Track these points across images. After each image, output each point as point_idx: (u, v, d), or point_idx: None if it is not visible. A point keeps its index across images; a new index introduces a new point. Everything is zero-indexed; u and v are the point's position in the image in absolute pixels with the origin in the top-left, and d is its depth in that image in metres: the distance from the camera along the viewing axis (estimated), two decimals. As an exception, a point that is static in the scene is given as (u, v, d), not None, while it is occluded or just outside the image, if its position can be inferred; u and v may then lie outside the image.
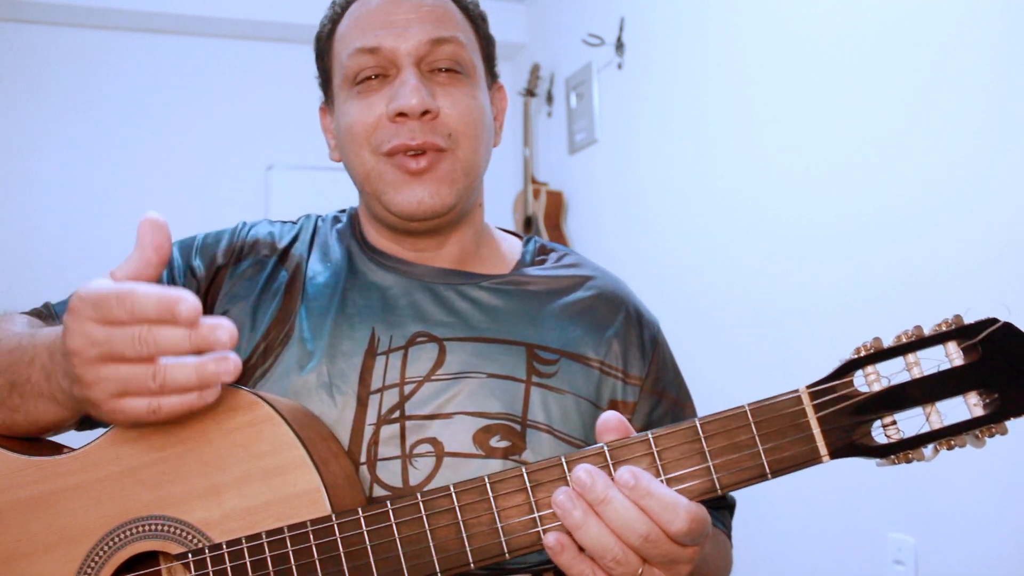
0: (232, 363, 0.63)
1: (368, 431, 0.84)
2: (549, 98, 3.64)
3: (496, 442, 0.84)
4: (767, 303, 2.25)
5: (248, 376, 0.88)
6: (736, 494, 1.03)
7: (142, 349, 0.62)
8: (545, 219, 3.47)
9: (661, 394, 0.94)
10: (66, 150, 3.31)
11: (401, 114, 0.86)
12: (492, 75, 0.98)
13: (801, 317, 2.12)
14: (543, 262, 0.98)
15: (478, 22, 0.95)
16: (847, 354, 0.66)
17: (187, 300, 0.62)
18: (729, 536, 0.99)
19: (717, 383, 2.00)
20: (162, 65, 3.44)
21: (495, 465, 0.83)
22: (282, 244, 0.96)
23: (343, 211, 1.04)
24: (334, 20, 0.94)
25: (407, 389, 0.86)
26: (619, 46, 2.98)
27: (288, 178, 3.47)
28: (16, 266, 3.13)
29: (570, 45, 3.38)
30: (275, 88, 3.53)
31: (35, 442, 0.81)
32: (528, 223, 3.55)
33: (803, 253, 2.11)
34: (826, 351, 1.98)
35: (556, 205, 3.48)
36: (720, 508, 1.00)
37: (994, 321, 0.64)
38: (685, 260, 2.64)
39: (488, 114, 0.93)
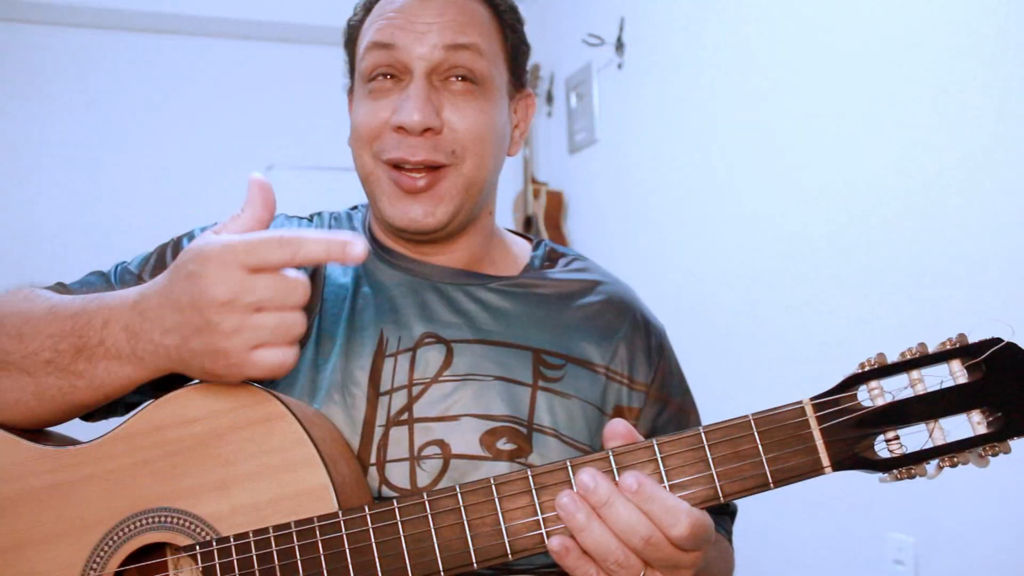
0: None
1: (378, 432, 0.84)
2: (549, 98, 3.64)
3: (503, 444, 0.84)
4: (766, 303, 2.25)
5: None
6: (737, 495, 1.03)
7: (301, 298, 0.67)
8: (545, 219, 3.47)
9: (666, 400, 0.94)
10: (65, 150, 3.31)
11: (402, 128, 0.85)
12: (519, 83, 0.95)
13: (799, 317, 2.12)
14: (552, 266, 0.98)
15: (508, 31, 0.92)
16: (851, 367, 0.66)
17: (356, 241, 0.66)
18: (730, 542, 0.99)
19: (716, 382, 2.00)
20: (162, 65, 3.44)
21: (502, 467, 0.83)
22: None
23: (355, 208, 1.03)
24: (367, 8, 0.92)
25: (415, 391, 0.86)
26: (619, 46, 2.99)
27: (288, 178, 3.46)
28: (16, 266, 3.12)
29: (570, 45, 3.38)
30: (275, 88, 3.53)
31: (45, 434, 0.82)
32: (528, 223, 3.55)
33: (801, 253, 2.11)
34: (824, 352, 1.99)
35: (556, 205, 3.49)
36: (722, 514, 1.00)
37: (998, 341, 0.64)
38: (684, 260, 2.64)
39: (499, 127, 0.91)
